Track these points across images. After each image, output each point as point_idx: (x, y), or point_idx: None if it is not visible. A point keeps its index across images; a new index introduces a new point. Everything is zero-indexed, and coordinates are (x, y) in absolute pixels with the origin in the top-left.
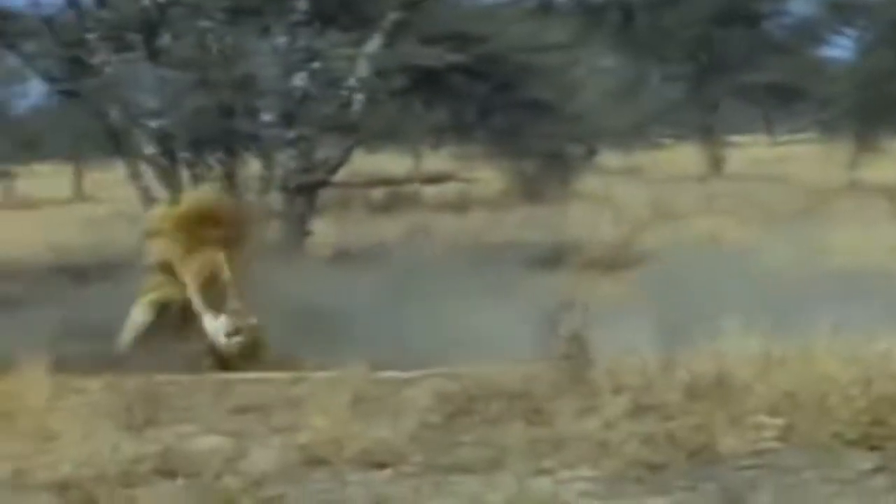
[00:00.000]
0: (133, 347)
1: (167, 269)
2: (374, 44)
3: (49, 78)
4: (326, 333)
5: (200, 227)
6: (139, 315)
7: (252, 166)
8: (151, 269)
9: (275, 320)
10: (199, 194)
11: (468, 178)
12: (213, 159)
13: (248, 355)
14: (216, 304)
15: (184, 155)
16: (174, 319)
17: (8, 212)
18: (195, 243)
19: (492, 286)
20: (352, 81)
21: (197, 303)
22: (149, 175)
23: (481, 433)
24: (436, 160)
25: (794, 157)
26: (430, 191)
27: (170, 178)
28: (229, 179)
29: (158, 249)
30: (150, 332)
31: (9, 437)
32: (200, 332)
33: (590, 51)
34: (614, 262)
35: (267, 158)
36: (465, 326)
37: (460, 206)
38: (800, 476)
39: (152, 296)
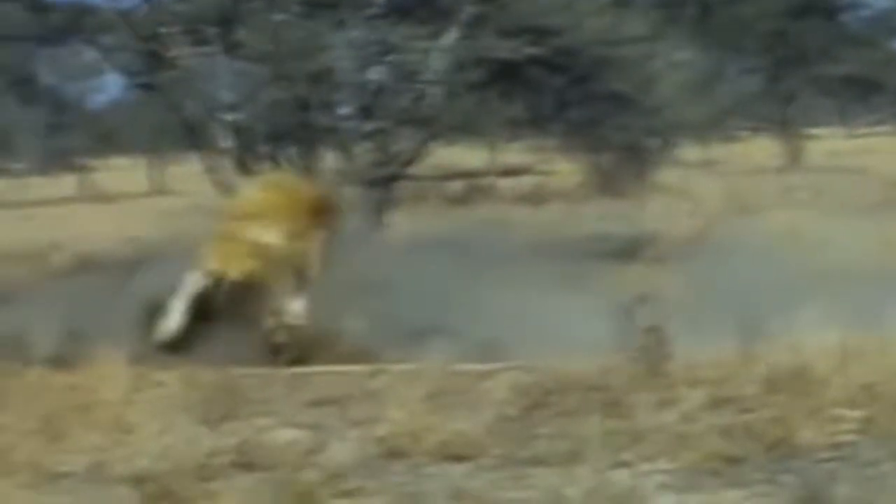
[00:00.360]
0: (183, 318)
1: (257, 251)
2: (450, 37)
3: (126, 72)
4: (402, 324)
5: (306, 215)
6: (194, 283)
7: (328, 159)
8: (230, 247)
9: (349, 310)
10: (299, 180)
11: (545, 171)
12: (290, 152)
13: (286, 352)
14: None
15: (260, 148)
16: (232, 299)
17: (86, 205)
18: (302, 230)
19: (568, 279)
20: (428, 74)
21: (284, 290)
22: (225, 168)
23: (559, 426)
24: (513, 153)
25: (872, 149)
26: (506, 183)
27: (246, 172)
28: (306, 172)
29: (257, 231)
30: (202, 307)
31: (86, 429)
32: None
33: (667, 43)
34: (692, 254)
35: (343, 151)
36: (541, 319)
37: (537, 198)
38: (878, 468)
39: (213, 266)
